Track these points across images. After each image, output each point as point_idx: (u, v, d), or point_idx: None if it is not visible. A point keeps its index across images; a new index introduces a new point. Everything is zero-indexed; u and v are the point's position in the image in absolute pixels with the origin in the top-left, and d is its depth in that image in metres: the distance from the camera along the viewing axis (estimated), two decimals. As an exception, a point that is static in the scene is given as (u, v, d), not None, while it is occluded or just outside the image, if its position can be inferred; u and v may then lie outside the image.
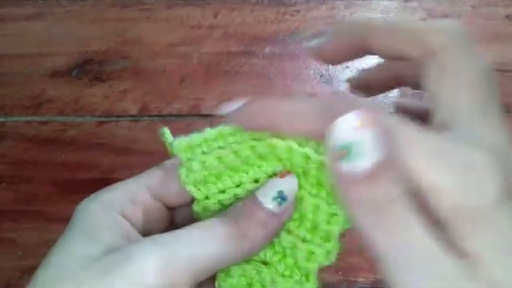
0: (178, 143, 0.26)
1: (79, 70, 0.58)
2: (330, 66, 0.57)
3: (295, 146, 0.25)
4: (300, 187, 0.26)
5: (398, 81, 0.27)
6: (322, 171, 0.25)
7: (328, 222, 0.26)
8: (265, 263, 0.28)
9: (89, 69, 0.58)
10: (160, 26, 0.59)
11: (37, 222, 0.55)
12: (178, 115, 0.57)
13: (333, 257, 0.27)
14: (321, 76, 0.57)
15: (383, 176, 0.18)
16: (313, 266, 0.27)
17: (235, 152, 0.25)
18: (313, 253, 0.26)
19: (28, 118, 0.58)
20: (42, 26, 0.59)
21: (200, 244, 0.23)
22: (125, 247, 0.22)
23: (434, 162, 0.18)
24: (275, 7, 0.58)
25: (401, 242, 0.18)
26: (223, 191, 0.27)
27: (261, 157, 0.26)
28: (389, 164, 0.18)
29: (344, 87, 0.57)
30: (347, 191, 0.19)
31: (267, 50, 0.58)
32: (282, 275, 0.27)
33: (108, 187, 0.26)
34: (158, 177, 0.27)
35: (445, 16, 0.57)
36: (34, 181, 0.56)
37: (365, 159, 0.18)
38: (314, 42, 0.26)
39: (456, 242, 0.18)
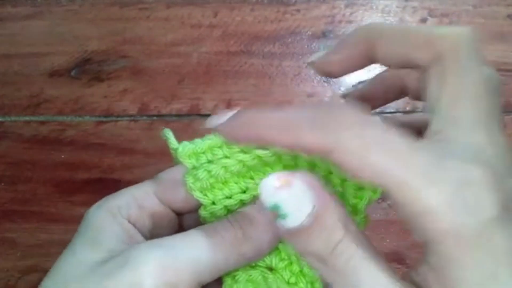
0: (182, 150, 0.25)
1: (78, 69, 0.58)
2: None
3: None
4: None
5: (401, 91, 0.26)
6: (329, 178, 0.25)
7: None
8: (271, 269, 0.27)
9: (88, 68, 0.58)
10: (159, 25, 0.58)
11: (36, 222, 0.55)
12: (178, 115, 0.56)
13: None
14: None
15: (321, 225, 0.19)
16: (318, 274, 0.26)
17: (241, 162, 0.25)
18: None
19: (27, 118, 0.57)
20: (41, 25, 0.59)
21: (202, 247, 0.23)
22: (125, 251, 0.22)
23: (427, 180, 0.17)
24: (275, 6, 0.58)
25: (356, 285, 0.19)
26: (229, 197, 0.27)
27: (266, 164, 0.26)
28: (324, 212, 0.19)
29: (343, 87, 0.57)
30: (294, 245, 0.20)
31: (267, 49, 0.57)
32: (288, 283, 0.27)
33: (116, 193, 0.26)
34: (165, 183, 0.27)
35: (445, 15, 0.57)
36: (33, 181, 0.56)
37: (296, 215, 0.19)
38: (315, 56, 0.25)
39: (445, 272, 0.18)
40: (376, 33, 0.23)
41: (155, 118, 0.57)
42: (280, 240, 0.25)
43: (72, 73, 0.58)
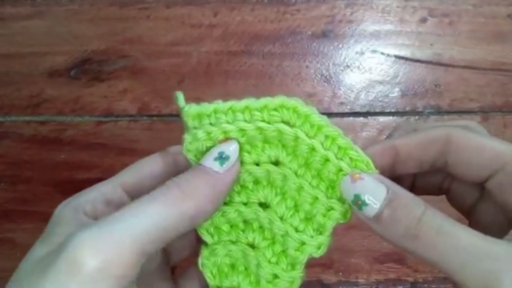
0: (188, 109, 0.26)
1: (78, 69, 0.58)
2: (330, 65, 0.57)
3: (302, 135, 0.25)
4: (300, 176, 0.26)
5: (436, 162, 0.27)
6: (326, 165, 0.25)
7: (324, 215, 0.26)
8: (253, 246, 0.27)
9: (88, 68, 0.58)
10: (159, 25, 0.58)
11: (36, 222, 0.55)
12: (178, 115, 0.56)
13: (323, 251, 0.27)
14: (321, 75, 0.57)
15: (400, 204, 0.22)
16: (302, 257, 0.26)
17: (242, 130, 0.25)
18: (304, 243, 0.26)
19: (27, 118, 0.57)
20: (41, 25, 0.59)
21: (140, 215, 0.22)
22: (64, 240, 0.22)
23: None
24: (275, 6, 0.58)
25: (449, 245, 0.21)
26: None
27: (266, 140, 0.26)
28: (400, 192, 0.22)
29: (343, 88, 0.57)
30: (383, 233, 0.23)
31: (267, 49, 0.57)
32: (269, 261, 0.27)
33: (85, 189, 0.26)
34: (132, 175, 0.27)
35: (445, 15, 0.57)
36: (33, 181, 0.56)
37: (375, 200, 0.22)
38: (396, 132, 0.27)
39: None
40: (455, 139, 0.25)
41: (155, 118, 0.57)
42: (224, 197, 0.25)
43: (72, 73, 0.58)
